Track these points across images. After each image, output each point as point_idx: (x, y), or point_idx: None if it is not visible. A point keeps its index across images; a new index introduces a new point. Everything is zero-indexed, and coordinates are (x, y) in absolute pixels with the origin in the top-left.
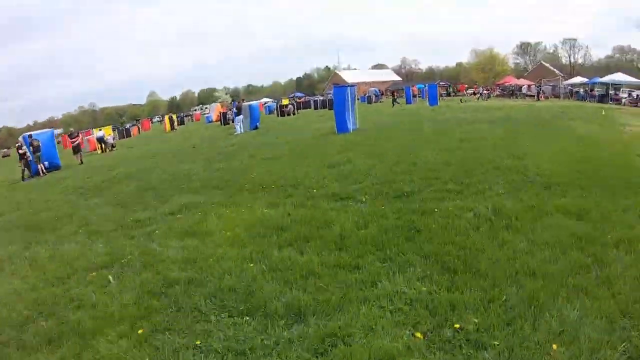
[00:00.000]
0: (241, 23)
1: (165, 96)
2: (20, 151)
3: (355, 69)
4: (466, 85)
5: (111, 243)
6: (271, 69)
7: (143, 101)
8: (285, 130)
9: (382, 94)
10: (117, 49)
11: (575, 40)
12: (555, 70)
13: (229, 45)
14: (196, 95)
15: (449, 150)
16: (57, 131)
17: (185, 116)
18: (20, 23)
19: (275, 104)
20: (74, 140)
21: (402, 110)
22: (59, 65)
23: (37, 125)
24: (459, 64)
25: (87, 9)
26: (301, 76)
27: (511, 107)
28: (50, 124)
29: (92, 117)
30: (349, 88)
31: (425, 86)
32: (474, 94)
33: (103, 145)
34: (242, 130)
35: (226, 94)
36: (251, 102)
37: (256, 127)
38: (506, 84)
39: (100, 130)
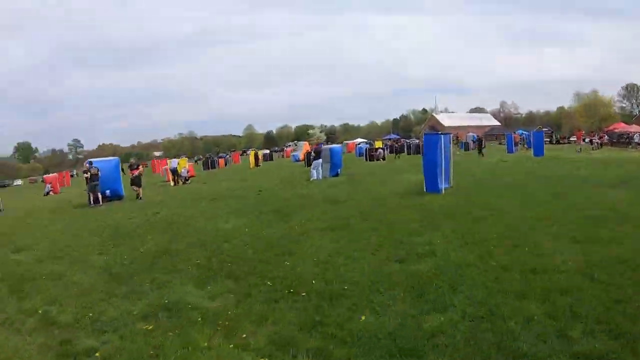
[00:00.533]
0: (340, 62)
1: (262, 129)
2: (86, 175)
3: (453, 112)
4: (582, 132)
5: None
6: (369, 109)
7: (241, 133)
8: (367, 180)
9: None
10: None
11: None
12: None
13: (332, 83)
14: (292, 130)
15: (583, 240)
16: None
17: (277, 151)
18: (136, 53)
19: (366, 145)
20: (133, 171)
21: (504, 163)
22: (167, 93)
23: (139, 146)
24: (561, 109)
25: (205, 39)
26: (398, 117)
27: (630, 161)
28: (152, 147)
29: (191, 144)
30: (442, 137)
31: (529, 133)
32: (591, 142)
33: (176, 177)
34: (319, 176)
35: (321, 131)
36: (334, 145)
37: (337, 174)
38: (615, 130)
39: (175, 160)
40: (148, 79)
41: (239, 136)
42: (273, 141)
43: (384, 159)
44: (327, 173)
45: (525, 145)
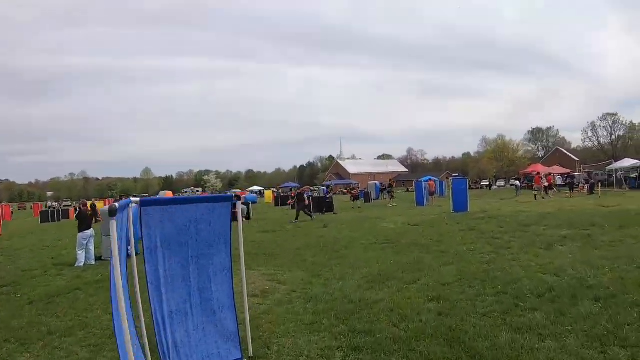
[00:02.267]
0: (251, 109)
1: (161, 174)
2: None
3: (360, 159)
4: (541, 174)
5: None
6: (280, 157)
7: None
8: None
9: (384, 189)
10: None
11: (616, 115)
12: (571, 155)
13: (239, 130)
14: (193, 175)
15: None
16: None
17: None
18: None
19: (254, 196)
20: None
21: (413, 223)
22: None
23: (37, 185)
24: (466, 155)
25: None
26: (305, 164)
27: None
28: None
29: (83, 187)
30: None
31: (446, 180)
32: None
33: None
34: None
35: (217, 178)
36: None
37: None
38: (533, 172)
39: None
40: (50, 113)
41: (135, 179)
42: (171, 186)
43: (248, 217)
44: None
45: (436, 195)
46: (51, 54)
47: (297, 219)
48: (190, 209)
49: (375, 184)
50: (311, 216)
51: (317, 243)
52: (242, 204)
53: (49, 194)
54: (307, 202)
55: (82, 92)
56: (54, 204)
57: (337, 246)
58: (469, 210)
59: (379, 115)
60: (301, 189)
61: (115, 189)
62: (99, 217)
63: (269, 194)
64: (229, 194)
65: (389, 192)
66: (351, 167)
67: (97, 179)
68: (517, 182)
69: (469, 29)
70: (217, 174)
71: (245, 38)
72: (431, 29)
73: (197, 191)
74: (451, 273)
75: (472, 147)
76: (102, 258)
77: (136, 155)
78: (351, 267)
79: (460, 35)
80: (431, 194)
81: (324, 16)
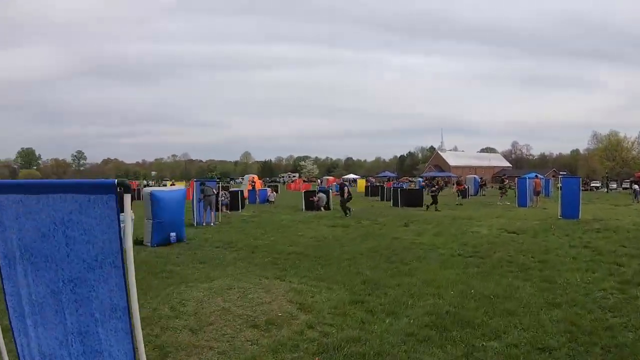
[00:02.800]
0: (351, 97)
1: (261, 158)
2: None
3: (462, 151)
4: None
5: None
6: (378, 145)
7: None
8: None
9: (484, 184)
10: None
11: None
12: None
13: (341, 118)
14: (292, 162)
15: None
16: None
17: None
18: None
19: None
20: None
21: (511, 229)
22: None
23: (144, 164)
24: (575, 151)
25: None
26: (405, 154)
27: None
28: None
29: (185, 168)
30: None
31: (553, 178)
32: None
33: None
34: None
35: (313, 164)
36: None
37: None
38: None
39: None
40: (157, 98)
41: (235, 162)
42: (270, 170)
43: (325, 208)
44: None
45: (542, 195)
46: (157, 42)
47: (347, 214)
48: (51, 203)
49: (474, 178)
50: (347, 213)
51: (387, 247)
52: (322, 192)
53: (153, 173)
54: (347, 196)
55: (188, 77)
56: (149, 182)
57: (408, 255)
58: (580, 217)
59: (482, 106)
60: (341, 181)
61: (215, 171)
62: None
63: (361, 183)
64: (111, 180)
65: (500, 188)
66: (452, 159)
67: (200, 161)
68: (637, 186)
69: (579, 14)
70: (315, 160)
71: (344, 25)
72: (537, 14)
73: (294, 177)
74: (558, 325)
75: (581, 143)
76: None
77: (239, 139)
78: (413, 293)
79: (570, 21)
80: (536, 193)
81: (425, 0)
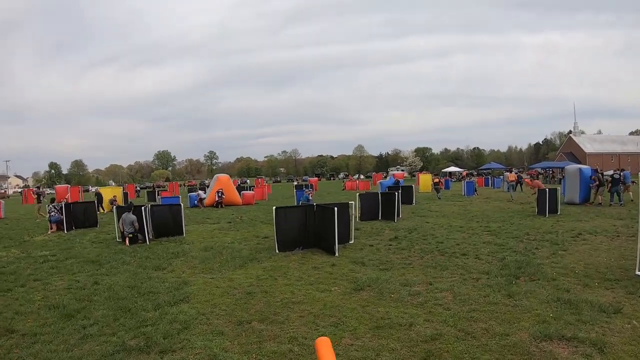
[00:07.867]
0: (484, 84)
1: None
2: None
3: (600, 133)
4: None
5: None
6: (512, 134)
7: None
8: None
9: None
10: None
11: None
12: None
13: (473, 106)
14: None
15: None
16: None
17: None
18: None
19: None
20: None
21: None
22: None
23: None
24: None
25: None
26: (540, 142)
27: None
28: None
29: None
30: None
31: None
32: None
33: None
34: None
35: (415, 156)
36: None
37: None
38: None
39: None
40: (295, 98)
41: (348, 157)
42: (386, 164)
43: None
44: None
45: None
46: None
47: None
48: None
49: (580, 169)
50: None
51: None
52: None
53: (281, 169)
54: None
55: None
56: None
57: None
58: None
59: (627, 83)
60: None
61: (325, 167)
62: None
63: (425, 180)
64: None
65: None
66: (588, 145)
67: (309, 157)
68: None
69: None
70: (423, 151)
71: (474, 8)
72: None
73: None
74: None
75: None
76: None
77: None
78: None
79: None
80: None
81: None
